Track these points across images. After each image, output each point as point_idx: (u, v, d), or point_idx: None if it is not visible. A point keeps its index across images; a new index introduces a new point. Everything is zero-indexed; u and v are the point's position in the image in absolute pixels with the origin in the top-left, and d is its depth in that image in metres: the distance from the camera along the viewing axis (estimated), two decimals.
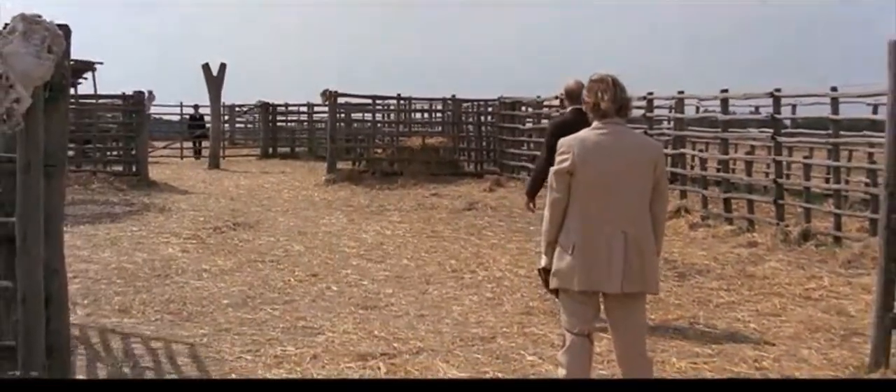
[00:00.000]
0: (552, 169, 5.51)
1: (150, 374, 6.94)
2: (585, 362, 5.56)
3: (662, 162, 5.58)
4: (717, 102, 17.58)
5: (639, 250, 5.36)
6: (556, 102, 24.89)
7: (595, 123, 5.48)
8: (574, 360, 5.52)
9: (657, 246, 5.56)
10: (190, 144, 38.27)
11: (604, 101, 5.43)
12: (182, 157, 36.47)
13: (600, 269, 5.34)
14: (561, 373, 5.57)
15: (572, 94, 8.81)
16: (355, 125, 30.75)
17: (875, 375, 6.58)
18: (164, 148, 36.75)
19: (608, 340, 6.13)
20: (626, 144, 5.45)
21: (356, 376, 7.14)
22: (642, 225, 5.42)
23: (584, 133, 5.52)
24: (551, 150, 7.46)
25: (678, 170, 18.32)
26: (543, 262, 5.60)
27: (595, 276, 5.36)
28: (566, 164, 5.40)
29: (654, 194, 5.48)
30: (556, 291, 5.58)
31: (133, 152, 24.92)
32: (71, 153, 23.06)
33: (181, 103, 41.92)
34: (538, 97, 25.70)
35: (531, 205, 9.39)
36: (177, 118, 44.20)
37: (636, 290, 5.43)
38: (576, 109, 8.45)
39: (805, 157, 16.58)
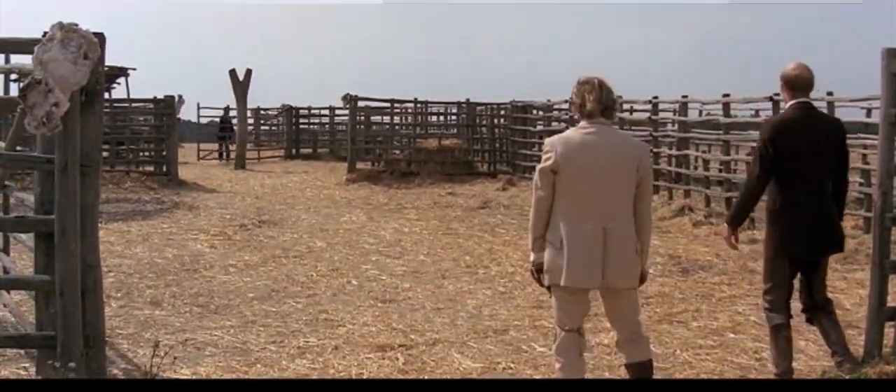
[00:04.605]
0: (537, 167, 5.44)
1: (180, 365, 6.97)
2: (578, 356, 5.54)
3: (647, 161, 5.51)
4: (720, 106, 17.54)
5: (618, 246, 5.30)
6: (566, 106, 25.01)
7: (581, 123, 5.43)
8: (567, 356, 5.50)
9: (644, 243, 5.47)
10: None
11: (589, 101, 5.36)
12: (198, 157, 36.38)
13: (582, 265, 5.29)
14: (557, 366, 5.57)
15: (796, 83, 6.44)
16: (374, 127, 30.78)
17: (869, 367, 6.55)
18: (207, 156, 36.44)
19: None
20: (610, 143, 5.37)
21: (375, 366, 7.15)
22: (624, 222, 5.35)
23: (569, 132, 5.47)
24: (765, 159, 6.39)
25: (682, 170, 18.30)
26: (532, 257, 5.55)
27: (579, 271, 5.30)
28: (549, 162, 5.33)
29: (637, 192, 5.40)
30: (548, 287, 5.53)
31: (164, 153, 25.04)
32: (105, 154, 23.15)
33: (198, 104, 40.81)
34: (548, 100, 25.72)
35: (734, 238, 6.79)
36: (203, 121, 44.13)
37: (615, 286, 5.38)
38: (800, 104, 6.44)
39: None
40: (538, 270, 5.50)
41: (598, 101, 5.36)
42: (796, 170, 6.36)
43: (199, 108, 40.50)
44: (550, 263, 5.39)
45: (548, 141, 5.48)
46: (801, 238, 6.44)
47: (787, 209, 6.41)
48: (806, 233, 6.42)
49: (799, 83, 6.41)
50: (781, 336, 6.58)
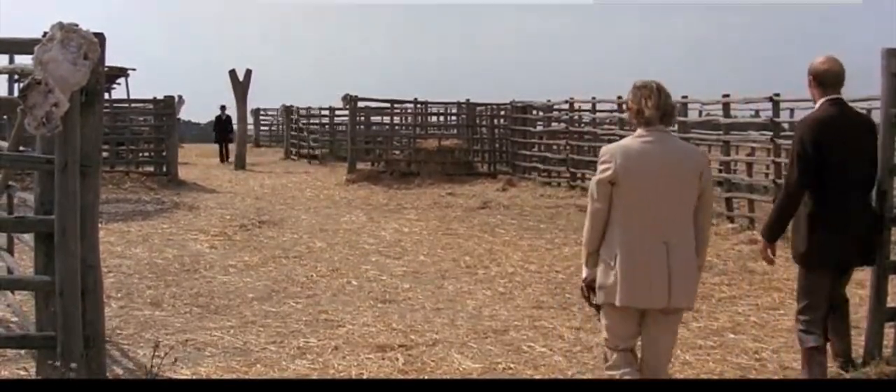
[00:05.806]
0: (593, 178, 5.11)
1: (180, 365, 6.97)
2: (633, 373, 5.24)
3: (708, 171, 5.18)
4: (719, 106, 17.56)
5: (680, 263, 5.00)
6: (566, 106, 25.00)
7: (639, 131, 5.07)
8: (623, 368, 5.23)
9: (700, 259, 5.19)
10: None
11: (648, 107, 5.01)
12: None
13: (643, 283, 4.98)
14: (616, 376, 5.29)
15: (825, 77, 6.09)
16: (374, 128, 30.80)
17: (869, 367, 6.55)
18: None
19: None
20: (671, 152, 5.06)
21: (375, 367, 7.15)
22: (685, 236, 5.05)
23: (627, 141, 5.11)
24: (805, 161, 5.97)
25: None
26: (585, 273, 5.21)
27: (638, 289, 4.99)
28: (608, 172, 4.99)
29: (699, 204, 5.08)
30: (597, 306, 5.23)
31: (163, 154, 25.05)
32: (105, 154, 23.15)
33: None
34: (548, 101, 25.71)
35: (771, 252, 6.47)
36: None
37: (678, 306, 5.10)
38: (832, 101, 6.07)
39: None
40: (589, 287, 5.21)
41: (657, 108, 5.02)
42: (834, 171, 5.99)
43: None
44: (605, 281, 5.06)
45: (605, 150, 5.12)
46: (842, 246, 6.11)
47: (827, 214, 6.03)
48: (848, 240, 6.10)
49: (829, 78, 6.05)
50: (816, 362, 6.18)
